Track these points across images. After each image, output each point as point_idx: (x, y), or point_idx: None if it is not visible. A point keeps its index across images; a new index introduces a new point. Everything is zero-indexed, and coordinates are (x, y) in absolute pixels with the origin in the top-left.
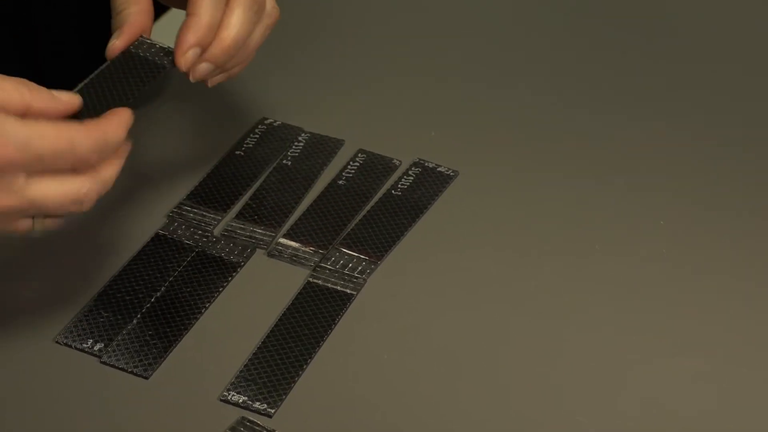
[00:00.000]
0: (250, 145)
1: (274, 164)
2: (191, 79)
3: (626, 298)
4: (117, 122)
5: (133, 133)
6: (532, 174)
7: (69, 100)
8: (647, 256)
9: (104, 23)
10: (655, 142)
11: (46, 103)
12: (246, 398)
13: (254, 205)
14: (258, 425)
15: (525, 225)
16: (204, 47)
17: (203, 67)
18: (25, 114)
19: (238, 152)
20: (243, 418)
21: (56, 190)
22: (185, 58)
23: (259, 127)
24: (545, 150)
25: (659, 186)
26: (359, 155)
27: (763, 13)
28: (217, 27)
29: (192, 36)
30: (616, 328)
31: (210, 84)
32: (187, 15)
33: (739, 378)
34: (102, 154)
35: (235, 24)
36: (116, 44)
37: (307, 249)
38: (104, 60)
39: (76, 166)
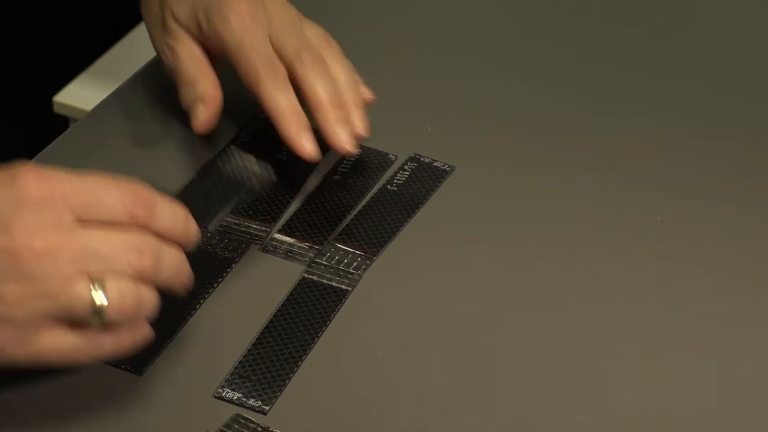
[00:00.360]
0: (245, 140)
1: (270, 160)
2: (344, 148)
3: (623, 294)
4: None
5: (132, 128)
6: (529, 169)
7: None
8: (644, 252)
9: (103, 23)
10: (652, 139)
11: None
12: (240, 395)
13: (249, 201)
14: (252, 422)
15: (521, 221)
16: (308, 128)
17: (334, 131)
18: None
19: (233, 147)
20: (237, 415)
21: (106, 236)
22: (302, 145)
23: (254, 122)
24: (542, 145)
25: (656, 182)
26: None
27: (763, 8)
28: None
29: (290, 129)
30: (612, 324)
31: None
32: (273, 120)
33: (737, 375)
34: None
35: (316, 87)
36: (205, 115)
37: (302, 244)
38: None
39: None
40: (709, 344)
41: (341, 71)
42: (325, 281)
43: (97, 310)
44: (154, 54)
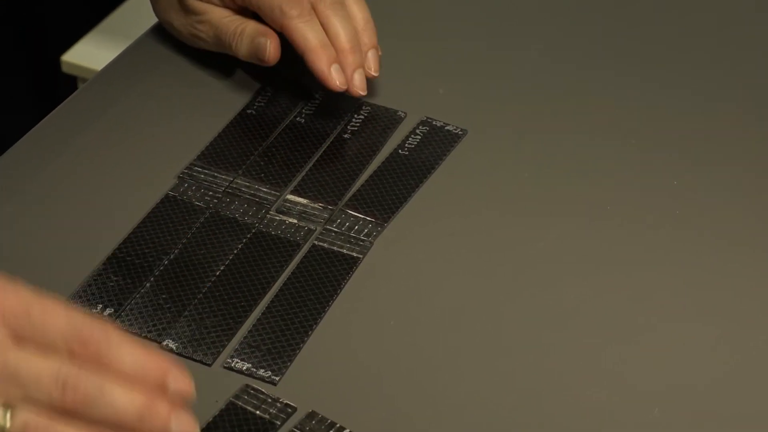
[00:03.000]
0: (262, 104)
1: (287, 122)
2: (358, 92)
3: (638, 259)
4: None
5: (143, 89)
6: (542, 133)
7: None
8: (660, 216)
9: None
10: (669, 103)
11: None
12: (250, 365)
13: (263, 163)
14: (262, 393)
15: (534, 185)
16: (336, 61)
17: (352, 77)
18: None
19: (249, 111)
20: (246, 385)
21: (35, 360)
22: (333, 79)
23: (270, 85)
24: (556, 109)
25: (673, 146)
26: (363, 108)
27: None
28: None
29: (320, 63)
30: (628, 291)
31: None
32: (302, 53)
33: (753, 344)
34: (117, 359)
35: (337, 28)
36: (273, 45)
37: (315, 205)
38: None
39: (73, 348)
40: (725, 310)
41: (359, 11)
42: (335, 248)
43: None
44: None
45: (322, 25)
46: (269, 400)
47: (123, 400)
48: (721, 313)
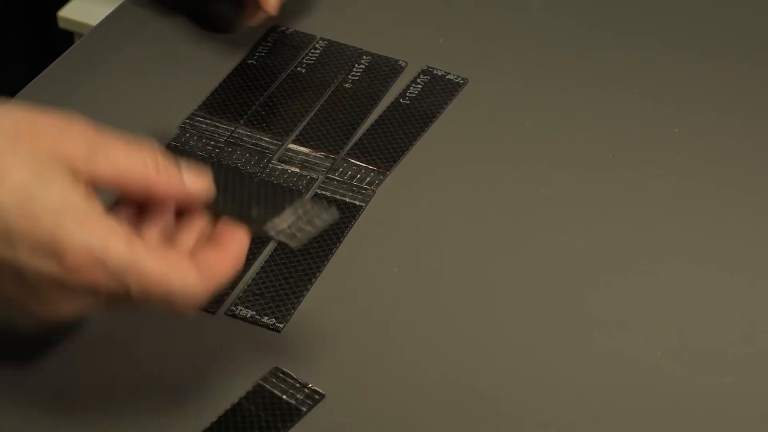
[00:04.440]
0: (263, 54)
1: (288, 72)
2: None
3: (640, 207)
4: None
5: (142, 42)
6: (544, 83)
7: (197, 189)
8: (661, 164)
9: None
10: (669, 51)
11: (169, 189)
12: (254, 313)
13: (264, 113)
14: (291, 377)
15: (535, 134)
16: None
17: None
18: (146, 194)
19: (250, 61)
20: (276, 368)
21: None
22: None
23: (271, 35)
24: (557, 58)
25: (674, 95)
26: (364, 57)
27: None
28: None
29: None
30: (629, 238)
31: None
32: None
33: (756, 290)
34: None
35: None
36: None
37: (317, 154)
38: None
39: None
40: (726, 257)
41: None
42: (338, 197)
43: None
44: None
45: None
46: (297, 386)
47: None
48: (721, 257)
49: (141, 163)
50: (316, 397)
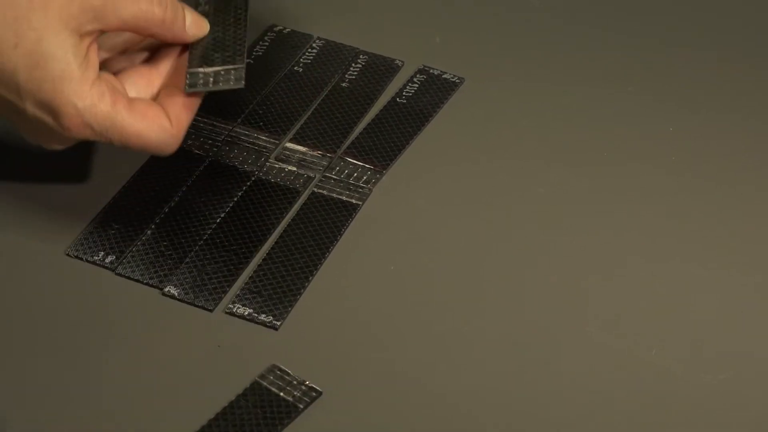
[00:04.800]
0: (260, 53)
1: (285, 71)
2: None
3: (636, 205)
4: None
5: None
6: (541, 81)
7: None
8: (657, 162)
9: None
10: (664, 52)
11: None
12: (252, 311)
13: (261, 112)
14: (288, 374)
15: (532, 132)
16: None
17: None
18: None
19: (247, 60)
20: (273, 365)
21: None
22: None
23: (269, 34)
24: (554, 57)
25: (669, 93)
26: (361, 57)
27: None
28: None
29: None
30: (623, 235)
31: None
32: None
33: (749, 287)
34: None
35: None
36: None
37: (315, 153)
38: None
39: None
40: (720, 255)
41: None
42: (335, 195)
43: None
44: None
45: None
46: (294, 383)
47: None
48: (714, 255)
49: (150, 12)
50: (313, 394)
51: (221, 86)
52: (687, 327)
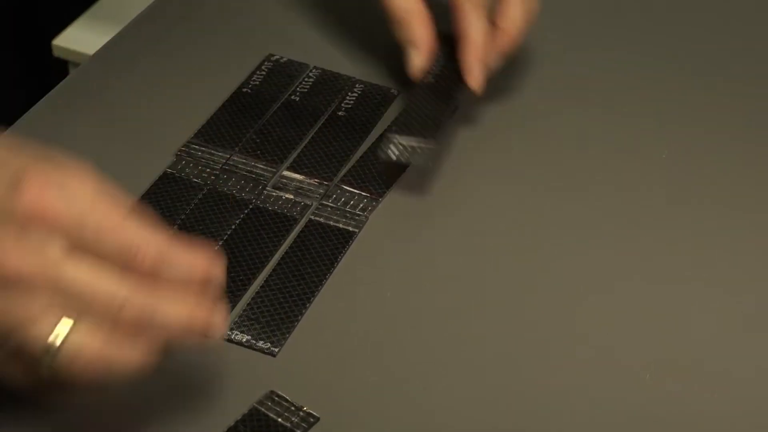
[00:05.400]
0: (257, 83)
1: (282, 100)
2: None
3: (626, 230)
4: (206, 258)
5: (136, 75)
6: (533, 105)
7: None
8: (648, 188)
9: None
10: (658, 75)
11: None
12: (250, 337)
13: (258, 140)
14: (286, 401)
15: (528, 156)
16: (486, 60)
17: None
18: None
19: (245, 89)
20: (271, 392)
21: (91, 277)
22: (477, 81)
23: (266, 63)
24: (547, 80)
25: (663, 118)
26: (357, 86)
27: None
28: (490, 37)
29: (474, 59)
30: (618, 260)
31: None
32: (459, 38)
33: (745, 309)
34: (169, 270)
35: (513, 25)
36: (419, 60)
37: (311, 181)
38: None
39: (128, 263)
40: (716, 279)
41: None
42: (331, 223)
43: (48, 355)
44: None
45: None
46: (292, 409)
47: (173, 315)
48: (711, 279)
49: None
50: (311, 420)
51: (412, 162)
52: (683, 353)
